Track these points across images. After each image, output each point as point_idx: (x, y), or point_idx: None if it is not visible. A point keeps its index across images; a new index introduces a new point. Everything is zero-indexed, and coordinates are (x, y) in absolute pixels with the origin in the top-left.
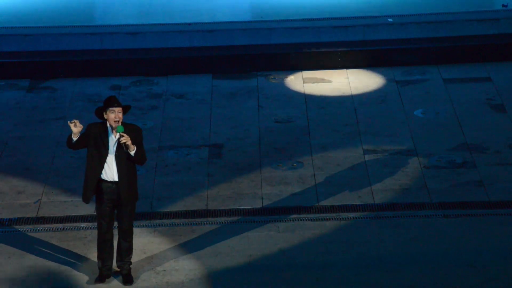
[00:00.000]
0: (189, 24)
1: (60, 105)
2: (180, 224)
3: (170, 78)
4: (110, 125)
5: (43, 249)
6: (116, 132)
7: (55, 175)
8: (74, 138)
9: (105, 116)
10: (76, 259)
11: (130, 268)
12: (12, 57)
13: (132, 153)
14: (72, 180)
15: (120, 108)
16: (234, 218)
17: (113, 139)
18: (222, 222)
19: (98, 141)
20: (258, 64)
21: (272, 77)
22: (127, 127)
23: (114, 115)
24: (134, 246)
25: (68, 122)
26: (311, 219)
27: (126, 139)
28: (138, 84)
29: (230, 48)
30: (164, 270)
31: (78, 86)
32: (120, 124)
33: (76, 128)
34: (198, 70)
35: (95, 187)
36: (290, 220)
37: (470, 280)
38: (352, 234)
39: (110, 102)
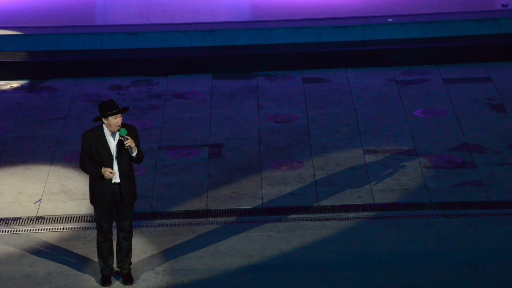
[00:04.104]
0: (189, 24)
1: (60, 105)
2: (180, 224)
3: (170, 78)
4: (111, 130)
5: (43, 249)
6: (120, 135)
7: (55, 175)
8: (99, 171)
9: (105, 121)
10: (76, 259)
11: (130, 268)
12: (12, 57)
13: (134, 154)
14: (72, 180)
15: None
16: (234, 218)
17: (112, 142)
18: (222, 222)
19: (99, 148)
20: (258, 64)
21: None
22: (127, 129)
23: (116, 121)
24: (134, 246)
25: (109, 172)
26: (311, 219)
27: (131, 142)
28: (138, 84)
29: (230, 48)
30: (164, 270)
31: (78, 86)
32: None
33: (112, 175)
34: (198, 70)
35: (110, 190)
36: (290, 220)
37: (470, 280)
38: (352, 234)
39: (110, 108)
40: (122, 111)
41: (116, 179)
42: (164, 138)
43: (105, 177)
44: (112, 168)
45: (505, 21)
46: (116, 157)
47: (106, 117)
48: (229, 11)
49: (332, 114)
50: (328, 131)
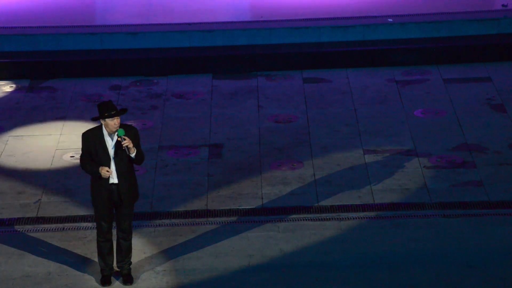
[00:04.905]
0: (189, 24)
1: (60, 105)
2: (180, 224)
3: (170, 78)
4: (108, 131)
5: (43, 249)
6: (117, 135)
7: (55, 175)
8: (97, 170)
9: (102, 122)
10: (76, 259)
11: (130, 268)
12: (12, 57)
13: (133, 155)
14: (72, 180)
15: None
16: (234, 218)
17: (110, 142)
18: (222, 222)
19: (97, 147)
20: (258, 64)
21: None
22: (126, 130)
23: (113, 122)
24: (134, 246)
25: (106, 171)
26: (311, 219)
27: (128, 143)
28: (138, 84)
29: (230, 48)
30: (164, 270)
31: (78, 86)
32: (118, 126)
33: (108, 174)
34: (198, 70)
35: (108, 191)
36: (290, 220)
37: (470, 280)
38: (352, 234)
39: (108, 110)
40: (119, 113)
41: (114, 179)
42: (164, 138)
43: (102, 176)
44: (110, 168)
45: (505, 21)
46: (114, 158)
47: (104, 118)
48: (229, 11)
49: (332, 114)
50: (328, 131)
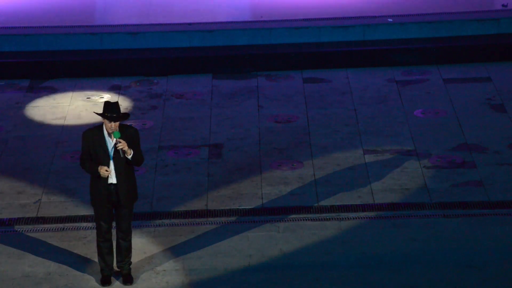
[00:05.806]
0: (189, 24)
1: (60, 105)
2: (180, 224)
3: (170, 78)
4: (107, 130)
5: (43, 249)
6: (113, 137)
7: (55, 175)
8: (96, 170)
9: (102, 120)
10: (76, 259)
11: (130, 268)
12: (12, 57)
13: (130, 157)
14: (72, 180)
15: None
16: (234, 218)
17: (110, 143)
18: (222, 222)
19: (97, 147)
20: (258, 64)
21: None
22: (124, 131)
23: (110, 124)
24: (134, 246)
25: (105, 170)
26: (311, 219)
27: (123, 145)
28: (138, 84)
29: (230, 48)
30: (164, 270)
31: (78, 86)
32: (116, 129)
33: (107, 174)
34: (198, 70)
35: (107, 191)
36: (290, 220)
37: (470, 280)
38: (352, 234)
39: (109, 110)
40: (117, 118)
41: (113, 179)
42: (164, 138)
43: (101, 175)
44: (109, 168)
45: (505, 21)
46: (113, 158)
47: (103, 116)
48: (229, 11)
49: (332, 114)
50: (328, 131)
